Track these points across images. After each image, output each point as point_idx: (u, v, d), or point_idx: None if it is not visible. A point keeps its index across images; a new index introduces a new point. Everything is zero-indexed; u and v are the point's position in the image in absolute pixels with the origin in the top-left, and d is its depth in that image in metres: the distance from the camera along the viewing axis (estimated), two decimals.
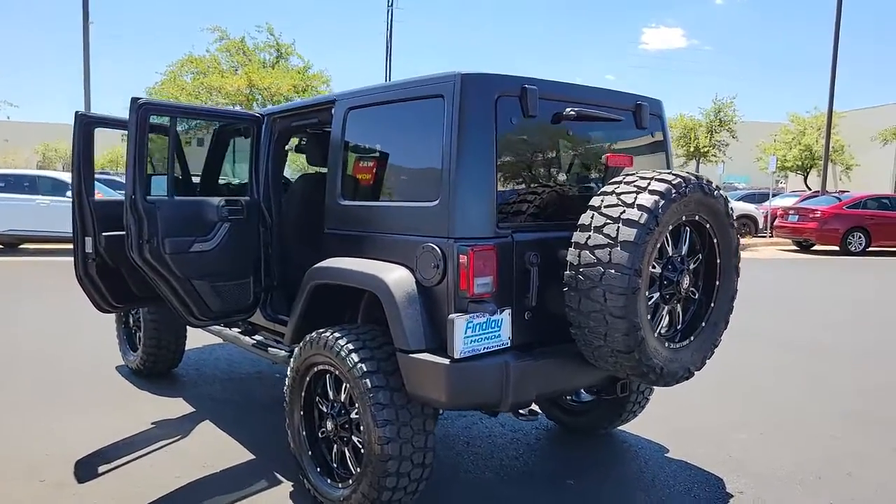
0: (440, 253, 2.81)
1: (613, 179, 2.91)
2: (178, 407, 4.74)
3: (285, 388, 3.46)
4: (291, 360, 3.40)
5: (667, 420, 4.49)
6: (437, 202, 2.87)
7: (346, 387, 3.15)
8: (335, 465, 3.30)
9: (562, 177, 3.24)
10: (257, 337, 4.24)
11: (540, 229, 3.03)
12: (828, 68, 21.77)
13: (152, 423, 4.41)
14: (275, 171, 4.04)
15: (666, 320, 3.01)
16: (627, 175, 2.90)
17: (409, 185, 3.14)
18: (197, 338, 5.77)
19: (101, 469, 3.72)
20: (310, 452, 3.38)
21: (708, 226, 3.00)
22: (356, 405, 3.05)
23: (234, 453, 3.94)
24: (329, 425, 3.22)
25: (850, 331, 7.91)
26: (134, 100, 3.35)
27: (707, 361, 3.12)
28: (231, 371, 5.66)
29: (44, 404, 4.69)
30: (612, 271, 2.65)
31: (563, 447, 4.16)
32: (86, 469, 3.71)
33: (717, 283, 3.11)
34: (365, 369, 2.94)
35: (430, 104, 2.93)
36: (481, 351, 2.78)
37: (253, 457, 3.91)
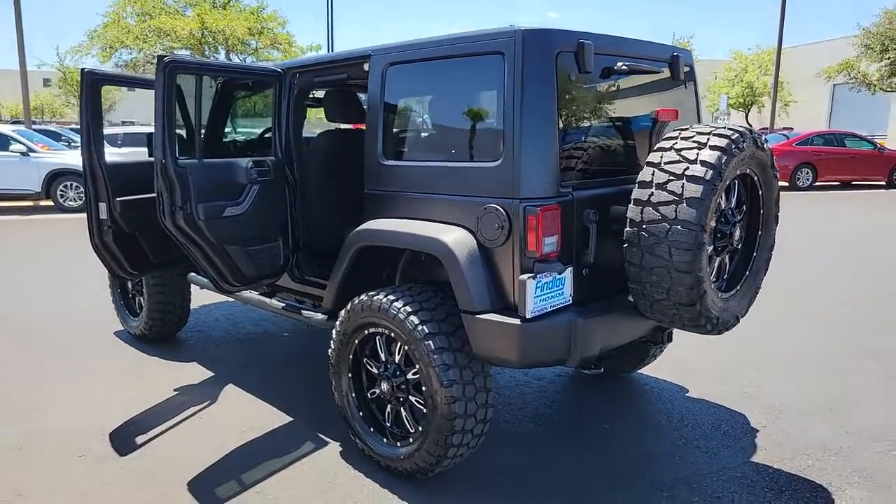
0: (504, 214, 2.80)
1: (668, 135, 2.94)
2: (195, 372, 4.66)
3: (330, 351, 3.45)
4: (338, 323, 3.38)
5: (679, 361, 4.69)
6: (499, 162, 2.85)
7: (401, 348, 3.16)
8: (388, 425, 3.34)
9: (611, 132, 3.25)
10: (277, 300, 4.17)
11: (595, 186, 3.05)
12: (770, 4, 22.05)
13: (175, 391, 4.34)
14: (296, 128, 3.91)
15: (715, 271, 3.11)
16: (682, 130, 2.93)
17: (465, 144, 3.10)
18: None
19: (140, 440, 3.66)
20: (360, 414, 3.40)
21: (756, 178, 3.08)
22: (415, 366, 3.08)
23: (270, 417, 3.94)
24: (384, 386, 3.24)
25: (831, 266, 8.32)
26: (160, 58, 3.16)
27: (750, 308, 3.25)
28: (236, 331, 5.58)
29: (57, 377, 4.55)
30: (679, 227, 2.70)
31: (589, 393, 4.30)
32: (123, 441, 3.64)
33: (760, 232, 3.21)
34: (427, 331, 2.96)
35: (488, 61, 2.88)
36: (548, 309, 2.83)
37: (290, 419, 3.91)
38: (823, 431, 3.71)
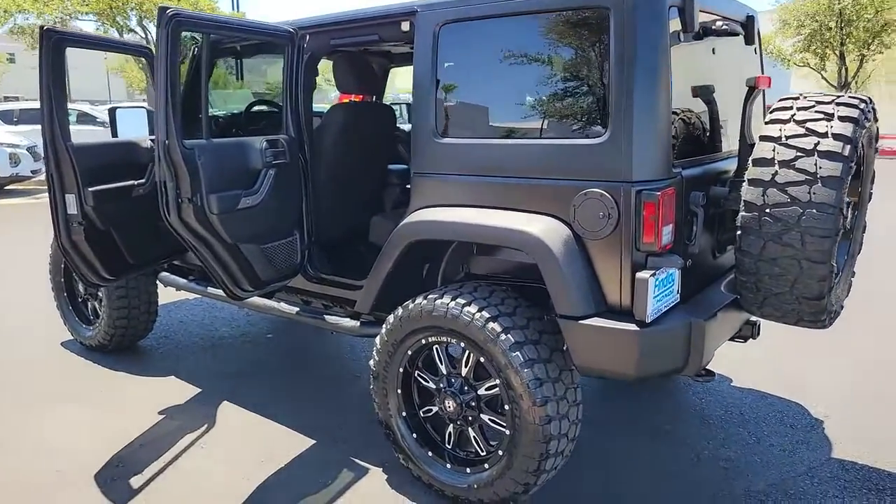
0: (612, 200, 2.36)
1: (779, 105, 2.57)
2: (176, 388, 3.99)
3: (373, 363, 2.93)
4: (385, 331, 2.86)
5: None
6: (603, 138, 2.40)
7: (469, 360, 2.69)
8: (450, 448, 2.86)
9: (707, 101, 2.85)
10: (288, 303, 3.57)
11: (696, 164, 2.65)
12: None
13: (160, 414, 3.67)
14: (307, 100, 3.30)
15: None
16: (793, 99, 2.57)
17: (554, 117, 2.61)
18: None
19: (135, 484, 3.02)
20: (415, 436, 2.91)
21: (863, 153, 2.77)
22: (489, 380, 2.62)
23: (286, 440, 3.36)
24: (449, 404, 2.76)
25: None
26: (162, 10, 2.49)
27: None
28: (209, 335, 4.89)
29: (9, 405, 3.77)
30: (814, 211, 2.35)
31: (632, 394, 3.96)
32: (116, 485, 2.99)
33: (856, 212, 2.92)
34: (513, 340, 2.50)
35: (587, 18, 2.41)
36: (662, 311, 2.43)
37: (311, 441, 3.35)
38: (886, 419, 3.52)
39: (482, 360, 2.61)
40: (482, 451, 2.77)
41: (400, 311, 2.80)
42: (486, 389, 2.68)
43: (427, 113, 2.80)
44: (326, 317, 3.29)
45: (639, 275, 2.31)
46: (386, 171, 3.91)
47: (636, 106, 2.33)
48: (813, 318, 2.60)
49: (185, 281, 4.03)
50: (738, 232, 2.50)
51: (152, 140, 3.57)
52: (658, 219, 2.32)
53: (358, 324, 3.19)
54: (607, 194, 2.37)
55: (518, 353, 2.48)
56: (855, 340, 4.58)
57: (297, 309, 3.42)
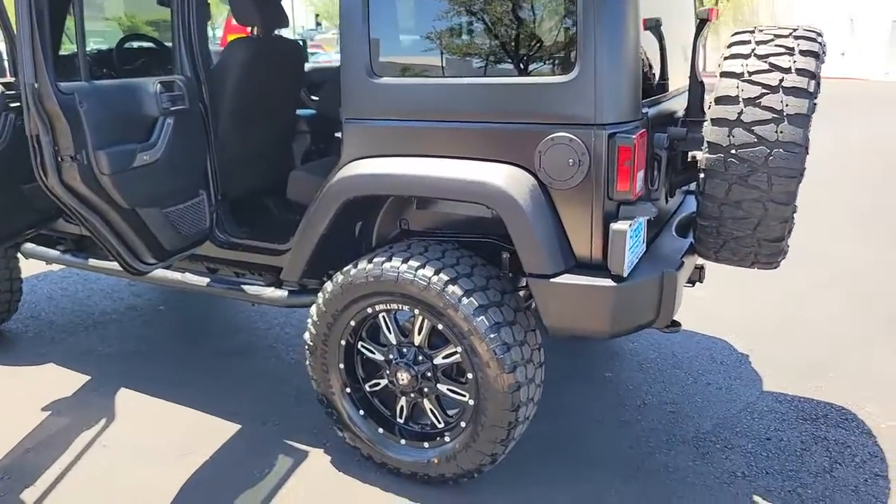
0: (581, 145, 2.15)
1: (737, 39, 2.44)
2: (57, 378, 3.44)
3: (308, 336, 2.61)
4: (322, 301, 2.53)
5: None
6: (572, 76, 2.16)
7: (423, 327, 2.44)
8: (402, 423, 2.63)
9: (658, 35, 2.66)
10: (196, 274, 3.11)
11: (654, 103, 2.49)
12: None
13: (44, 410, 3.14)
14: (202, 34, 2.79)
15: None
16: (749, 33, 2.45)
17: (515, 53, 2.32)
18: None
19: (29, 498, 2.54)
20: (362, 413, 2.64)
21: None
22: (450, 347, 2.40)
23: (206, 429, 2.98)
24: (402, 376, 2.50)
25: None
26: None
27: None
28: (87, 311, 4.28)
29: None
30: (782, 151, 2.26)
31: (565, 345, 3.87)
32: (4, 502, 2.50)
33: None
34: (476, 304, 2.27)
35: None
36: (634, 262, 2.28)
37: (237, 426, 2.99)
38: (803, 349, 3.68)
39: (440, 326, 2.37)
40: (439, 423, 2.55)
41: (340, 277, 2.48)
42: (444, 358, 2.45)
43: (359, 49, 2.42)
44: (246, 287, 2.88)
45: (615, 226, 2.13)
46: (296, 118, 3.48)
47: (608, 40, 2.10)
48: (769, 259, 2.57)
49: (57, 253, 3.42)
50: (702, 175, 2.38)
51: (4, 84, 2.92)
52: (633, 164, 2.14)
53: (285, 293, 2.82)
54: (577, 139, 2.15)
55: (482, 317, 2.26)
56: (763, 273, 4.78)
57: (208, 280, 2.98)
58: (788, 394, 3.23)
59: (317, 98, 3.89)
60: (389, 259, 2.38)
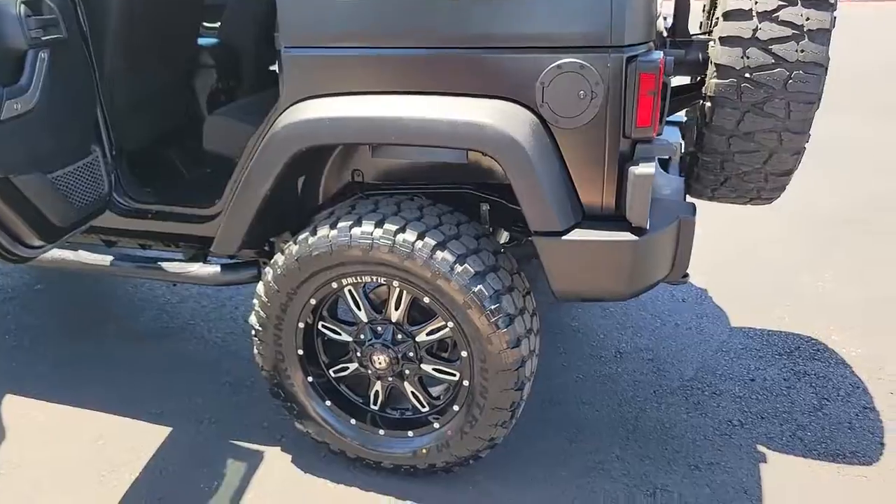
0: (595, 73, 1.77)
1: None
2: None
3: (257, 321, 2.14)
4: (273, 276, 2.05)
5: None
6: None
7: (402, 300, 2.04)
8: (376, 409, 2.25)
9: None
10: (81, 254, 2.49)
11: None
12: None
13: None
14: None
15: None
16: None
17: None
18: None
19: None
20: (328, 403, 2.23)
21: None
22: (436, 322, 2.02)
23: (129, 433, 2.46)
24: (379, 359, 2.10)
25: None
26: None
27: None
28: None
29: None
30: (801, 73, 2.00)
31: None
32: None
33: None
34: (473, 270, 1.89)
35: None
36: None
37: (166, 429, 2.49)
38: (756, 277, 3.62)
39: (425, 300, 1.98)
40: (423, 407, 2.19)
41: (295, 248, 2.01)
42: (429, 335, 2.07)
43: None
44: (165, 265, 2.33)
45: (638, 170, 1.79)
46: (198, 49, 2.85)
47: None
48: (771, 195, 2.35)
49: None
50: (708, 104, 2.09)
51: None
52: (656, 95, 1.80)
53: (218, 269, 2.30)
54: (590, 66, 1.77)
55: (481, 286, 1.89)
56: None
57: (112, 258, 2.38)
58: (756, 328, 3.13)
59: (215, 24, 3.22)
60: (358, 223, 1.93)
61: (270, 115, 2.02)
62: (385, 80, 1.92)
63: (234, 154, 2.18)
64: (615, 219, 1.91)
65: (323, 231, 1.97)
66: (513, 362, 1.95)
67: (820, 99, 2.06)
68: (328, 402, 2.23)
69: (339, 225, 1.95)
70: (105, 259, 2.37)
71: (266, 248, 2.35)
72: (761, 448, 2.39)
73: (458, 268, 1.88)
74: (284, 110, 1.99)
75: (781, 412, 2.57)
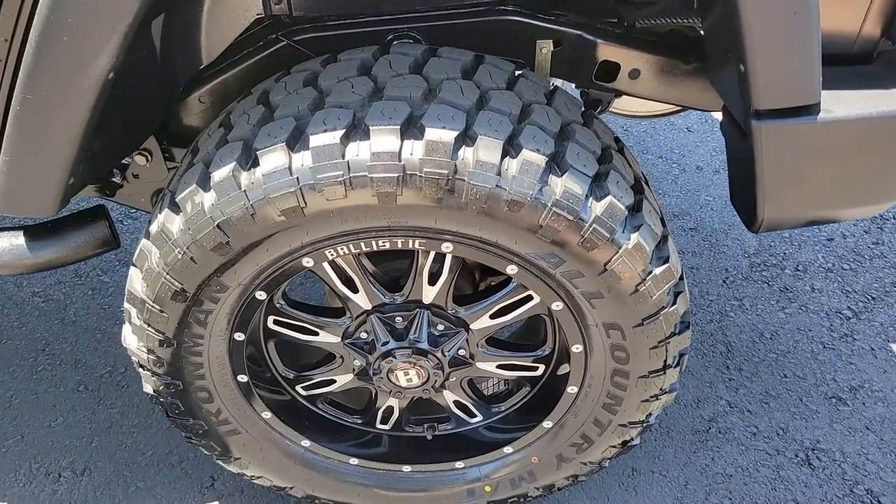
0: None
1: None
2: None
3: (144, 348, 1.03)
4: (156, 262, 0.93)
5: None
6: None
7: (443, 270, 1.02)
8: (386, 429, 1.29)
9: None
10: None
11: None
12: None
13: None
14: None
15: None
16: None
17: None
18: None
19: None
20: (307, 443, 1.24)
21: None
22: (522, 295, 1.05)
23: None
24: (407, 373, 1.11)
25: None
26: None
27: None
28: None
29: None
30: None
31: None
32: None
33: None
34: (622, 207, 0.90)
35: None
36: None
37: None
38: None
39: (510, 270, 0.97)
40: (471, 420, 1.27)
41: (210, 196, 0.87)
42: (494, 316, 1.09)
43: None
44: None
45: None
46: None
47: None
48: None
49: None
50: None
51: None
52: None
53: (20, 241, 1.07)
54: None
55: (638, 234, 0.92)
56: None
57: None
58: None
59: None
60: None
61: None
62: None
63: None
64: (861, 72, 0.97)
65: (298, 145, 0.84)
66: (661, 339, 1.04)
67: None
68: (306, 442, 1.23)
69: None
70: None
71: (117, 178, 1.14)
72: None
73: (598, 205, 0.88)
74: None
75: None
